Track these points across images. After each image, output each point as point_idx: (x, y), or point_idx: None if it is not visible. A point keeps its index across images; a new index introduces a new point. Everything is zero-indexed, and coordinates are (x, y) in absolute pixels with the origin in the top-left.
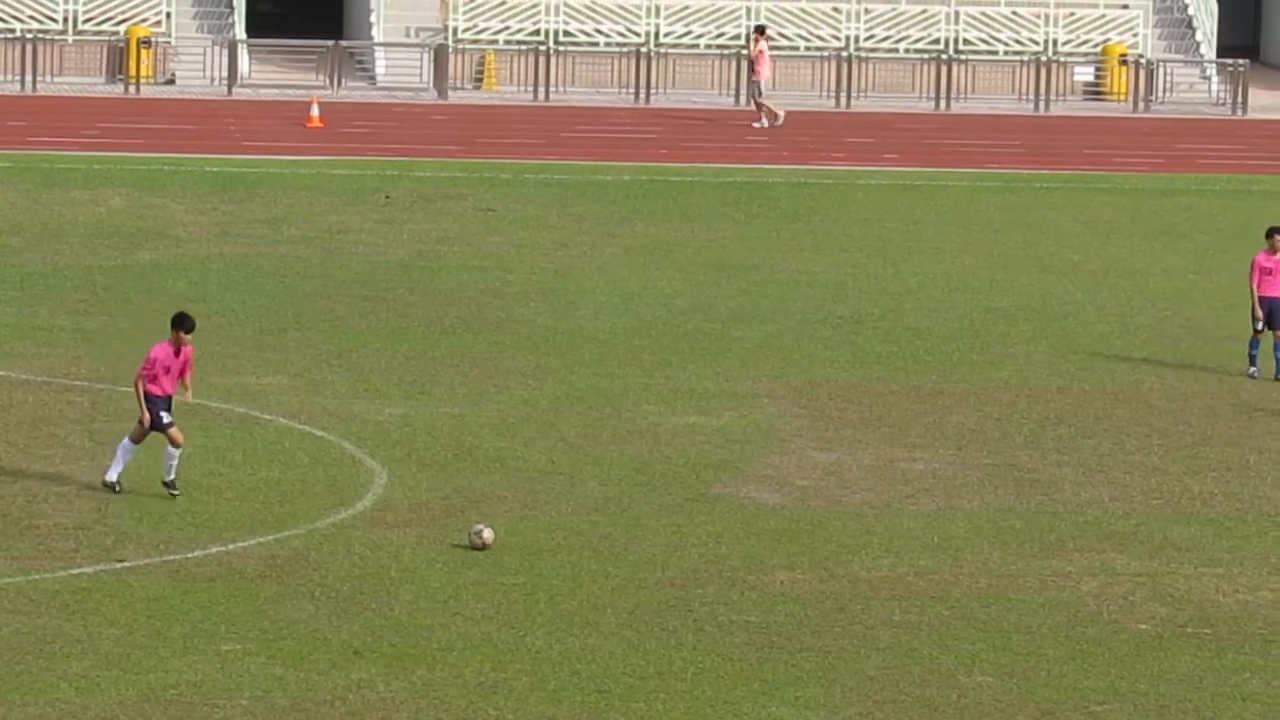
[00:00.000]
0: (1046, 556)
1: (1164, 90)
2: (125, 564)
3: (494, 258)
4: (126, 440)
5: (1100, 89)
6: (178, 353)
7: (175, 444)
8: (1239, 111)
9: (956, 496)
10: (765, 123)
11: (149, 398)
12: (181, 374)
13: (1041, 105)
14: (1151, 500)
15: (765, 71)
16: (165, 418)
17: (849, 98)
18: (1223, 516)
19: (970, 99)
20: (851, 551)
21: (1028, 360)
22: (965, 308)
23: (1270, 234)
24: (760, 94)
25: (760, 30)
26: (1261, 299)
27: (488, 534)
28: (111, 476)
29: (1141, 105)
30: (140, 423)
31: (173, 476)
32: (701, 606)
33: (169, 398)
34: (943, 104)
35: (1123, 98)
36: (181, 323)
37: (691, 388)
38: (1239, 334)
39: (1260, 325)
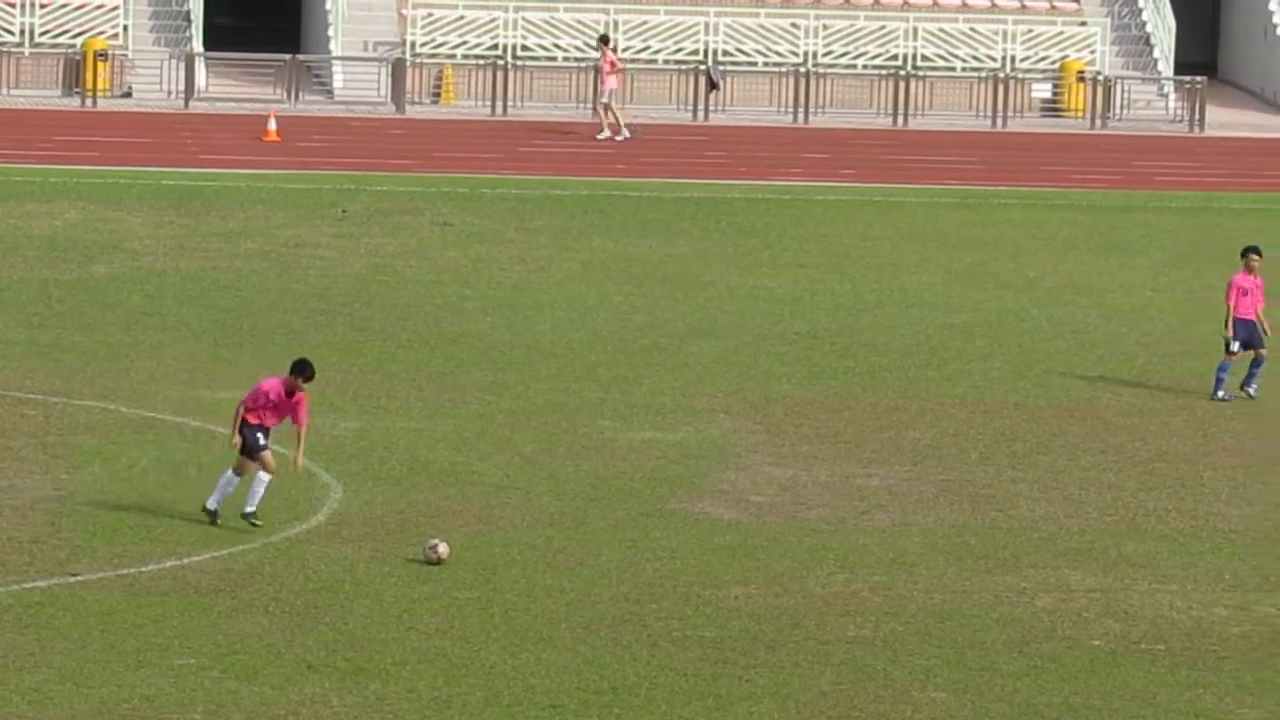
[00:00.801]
0: (1001, 572)
1: (1121, 107)
2: (79, 578)
3: (451, 272)
4: (229, 472)
5: (1058, 106)
6: (290, 395)
7: (268, 469)
8: (1196, 128)
9: (912, 512)
10: (608, 134)
11: (245, 424)
12: (295, 419)
13: (999, 122)
14: (1106, 516)
15: (613, 82)
16: (261, 439)
17: (807, 114)
18: (1177, 533)
19: (928, 115)
20: (806, 567)
21: (984, 376)
22: (922, 324)
23: (1246, 254)
24: (608, 103)
25: (604, 40)
26: (1237, 320)
27: (443, 548)
28: (212, 505)
29: (1099, 122)
30: (232, 445)
31: (254, 508)
32: (656, 621)
33: (267, 428)
34: (900, 120)
35: (1080, 114)
36: (302, 370)
37: (647, 403)
38: (1195, 351)
39: (1236, 347)
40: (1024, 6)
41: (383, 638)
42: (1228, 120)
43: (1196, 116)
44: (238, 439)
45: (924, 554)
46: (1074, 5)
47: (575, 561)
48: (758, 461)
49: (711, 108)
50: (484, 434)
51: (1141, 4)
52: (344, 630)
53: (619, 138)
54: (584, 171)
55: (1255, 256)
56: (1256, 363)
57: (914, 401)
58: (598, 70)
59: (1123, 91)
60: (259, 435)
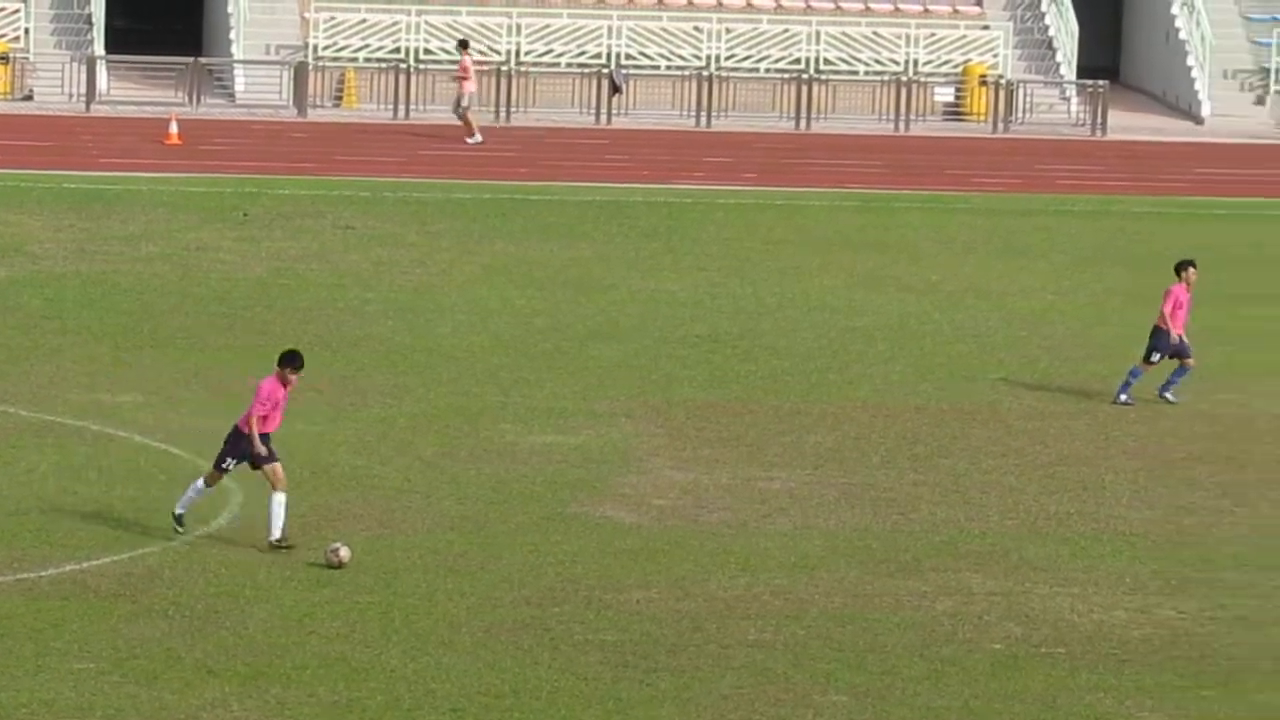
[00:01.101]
0: (902, 576)
1: (1024, 111)
2: None
3: (352, 275)
4: (199, 482)
5: (960, 109)
6: (285, 386)
7: (280, 484)
8: (1098, 132)
9: (813, 516)
10: (479, 138)
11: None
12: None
13: (901, 125)
14: (1007, 520)
15: (470, 86)
16: (270, 450)
17: (709, 117)
18: (1078, 536)
19: (830, 118)
20: (708, 571)
21: (885, 380)
22: (824, 327)
23: (1185, 267)
24: (465, 108)
25: (464, 45)
26: (1165, 331)
27: (344, 552)
28: (180, 510)
29: (1001, 125)
30: (253, 455)
31: (280, 534)
32: (558, 625)
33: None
34: (803, 123)
35: (982, 118)
36: (293, 360)
37: (549, 406)
38: (1097, 354)
39: (1157, 358)
40: (927, 10)
41: (283, 642)
42: (1130, 124)
43: (1098, 120)
44: (263, 449)
45: (825, 557)
46: (977, 9)
47: (476, 565)
48: (659, 465)
49: (614, 111)
50: (385, 438)
51: (1044, 8)
52: (244, 635)
53: (470, 140)
54: (486, 175)
55: (1193, 270)
56: (1182, 370)
57: (816, 405)
58: (457, 77)
59: (1025, 95)
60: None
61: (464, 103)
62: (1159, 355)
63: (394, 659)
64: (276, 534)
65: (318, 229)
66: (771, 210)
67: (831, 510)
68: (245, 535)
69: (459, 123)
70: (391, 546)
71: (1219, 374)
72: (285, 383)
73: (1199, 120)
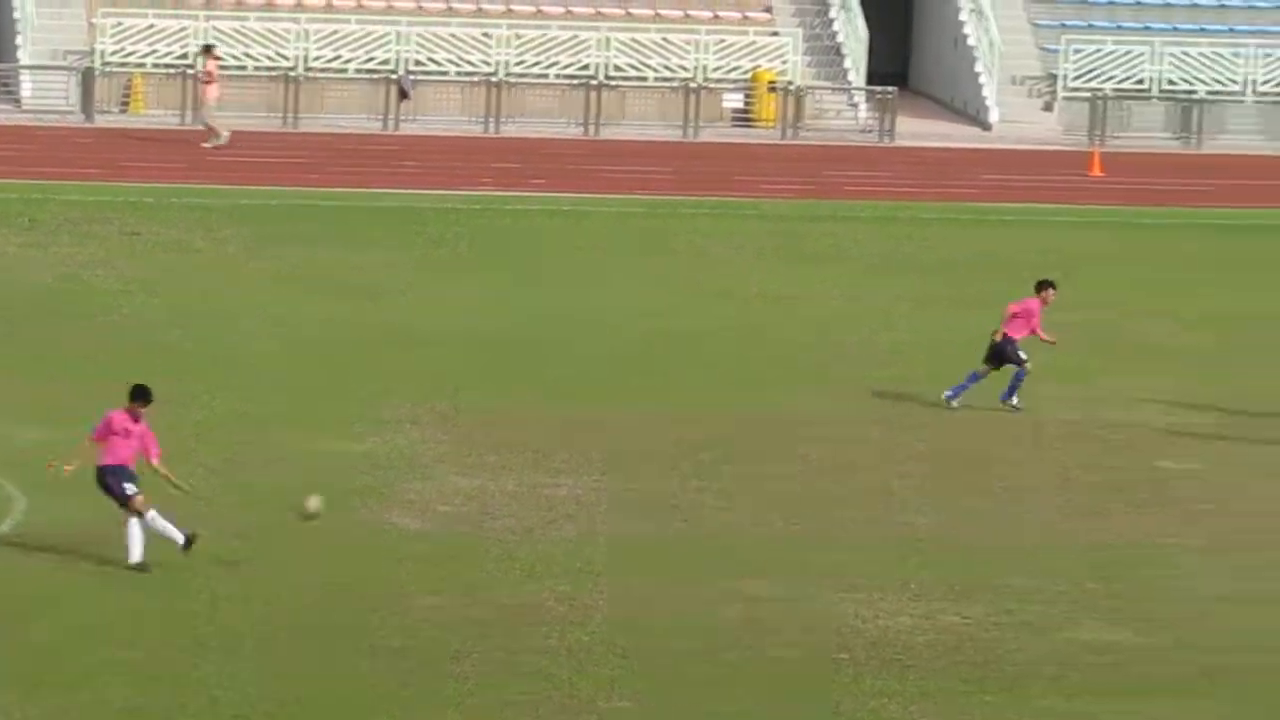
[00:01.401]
0: (687, 583)
1: (812, 117)
2: None
3: (139, 282)
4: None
5: (749, 115)
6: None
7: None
8: (886, 138)
9: (599, 522)
10: (213, 142)
11: (106, 471)
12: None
13: (690, 131)
14: (793, 526)
15: (214, 91)
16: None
17: (498, 123)
18: (864, 543)
19: (619, 125)
20: (494, 577)
21: (673, 386)
22: (612, 333)
23: (1046, 286)
24: (208, 112)
25: (208, 50)
26: (1007, 338)
27: (313, 502)
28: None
29: (789, 132)
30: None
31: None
32: (343, 632)
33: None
34: (591, 130)
35: (771, 124)
36: (142, 395)
37: (336, 413)
38: (885, 360)
39: (985, 369)
40: (716, 17)
41: (68, 648)
42: (918, 130)
43: (887, 127)
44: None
45: (611, 564)
46: (766, 15)
47: (262, 572)
48: (445, 471)
49: (403, 117)
50: (171, 445)
51: (833, 14)
52: (28, 642)
53: (207, 144)
54: (274, 180)
55: (1053, 291)
56: (1020, 375)
57: (603, 411)
58: (201, 81)
59: (813, 102)
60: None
61: (208, 107)
62: (986, 367)
63: (180, 665)
64: (136, 557)
65: (104, 235)
66: (560, 216)
67: (617, 517)
68: (29, 542)
69: (204, 129)
70: (177, 554)
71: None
72: (134, 416)
73: (987, 126)
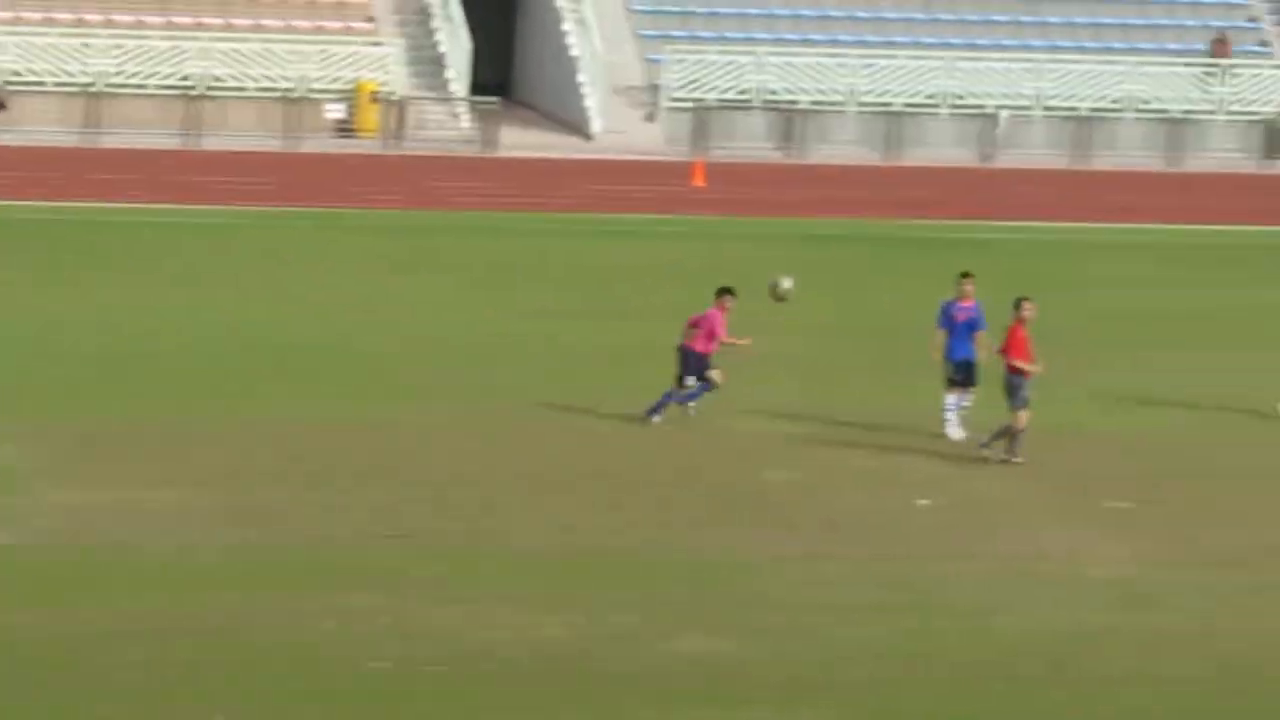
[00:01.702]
0: (285, 595)
1: (415, 127)
2: None
3: None
4: None
5: (351, 126)
6: None
7: None
8: (489, 149)
9: (197, 535)
10: None
11: None
12: None
13: (291, 142)
14: (392, 537)
15: None
16: None
17: (97, 134)
18: (465, 553)
19: (220, 135)
20: (89, 592)
21: (273, 398)
22: (212, 345)
23: (722, 293)
24: None
25: None
26: (692, 351)
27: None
28: None
29: (392, 143)
30: None
31: None
32: None
33: None
34: (192, 140)
35: (374, 135)
36: None
37: None
38: (489, 372)
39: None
40: (319, 27)
41: None
42: (520, 141)
43: (489, 137)
44: None
45: (209, 576)
46: (369, 25)
47: None
48: (40, 486)
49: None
50: None
51: (436, 25)
52: None
53: None
54: None
55: (731, 298)
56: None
57: (202, 423)
58: None
59: (417, 112)
60: None
61: None
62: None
63: None
64: None
65: None
66: (162, 228)
67: (215, 529)
68: None
69: None
70: None
71: (605, 390)
72: None
73: (589, 137)
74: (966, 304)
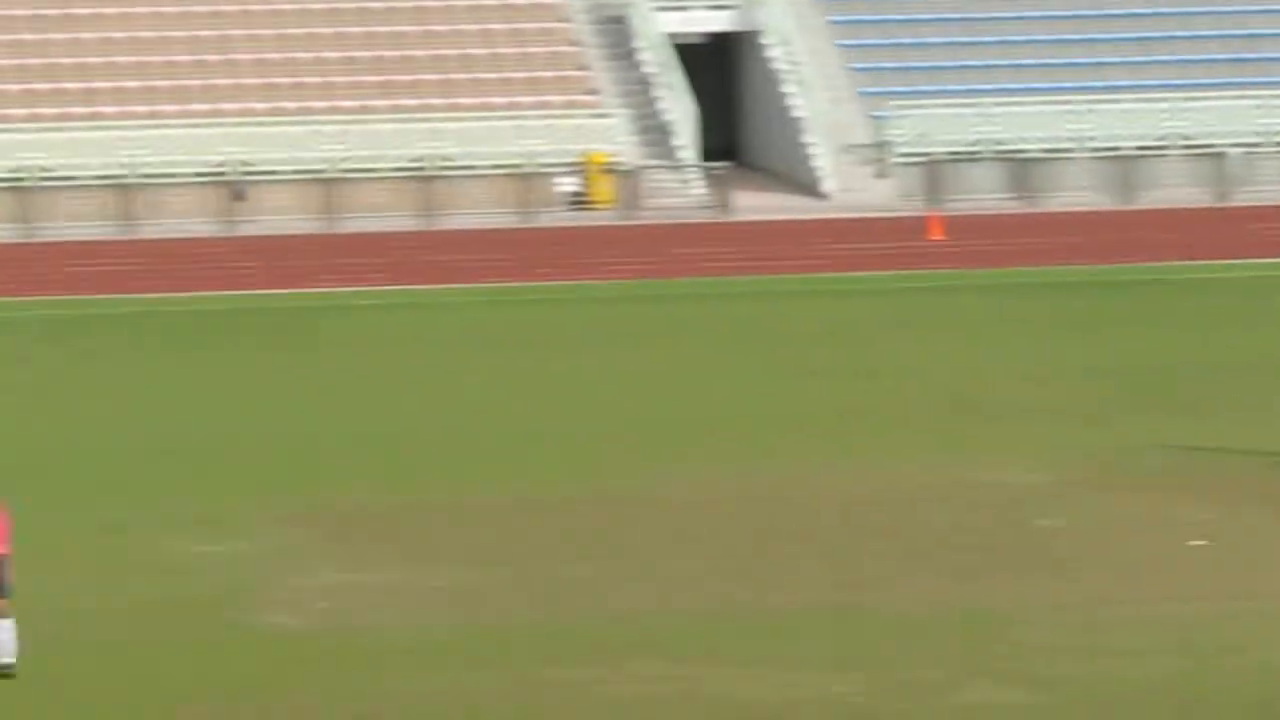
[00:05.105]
0: (581, 664)
1: (648, 196)
2: None
3: None
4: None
5: (584, 198)
6: None
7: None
8: (723, 214)
9: (483, 611)
10: None
11: None
12: None
13: (526, 218)
14: (685, 605)
15: None
16: None
17: (333, 220)
18: (749, 616)
19: (454, 214)
20: (379, 672)
21: (537, 474)
22: (471, 426)
23: None
24: None
25: None
26: None
27: None
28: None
29: (626, 212)
30: None
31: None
32: None
33: None
34: (426, 221)
35: (607, 206)
36: None
37: (200, 515)
38: (751, 431)
39: None
40: (543, 102)
41: None
42: (753, 204)
43: (722, 201)
44: None
45: (501, 651)
46: (593, 98)
47: (141, 680)
48: (321, 568)
49: (238, 218)
50: (35, 560)
51: (658, 94)
52: None
53: None
54: (114, 289)
55: None
56: None
57: (473, 501)
58: None
59: (647, 181)
60: None
61: None
62: None
63: None
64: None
65: None
66: (404, 310)
67: (502, 604)
68: None
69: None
70: (50, 671)
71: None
72: None
73: (821, 196)
74: None
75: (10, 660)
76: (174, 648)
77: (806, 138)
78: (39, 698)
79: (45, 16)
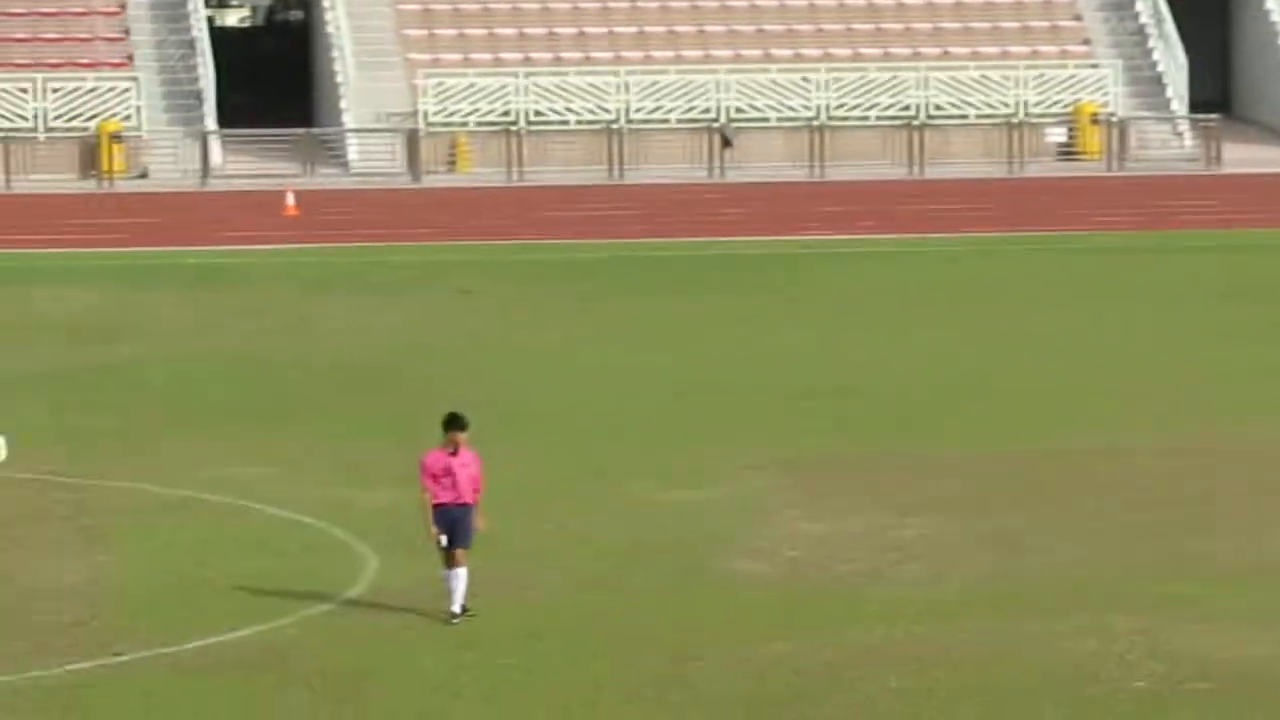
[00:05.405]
0: (1041, 618)
1: (1136, 148)
2: (123, 657)
3: (472, 339)
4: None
5: (1073, 149)
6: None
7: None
8: (1213, 166)
9: (947, 562)
10: None
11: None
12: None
13: (1014, 168)
14: (1142, 559)
15: None
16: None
17: (821, 168)
18: (1218, 572)
19: (942, 164)
20: (845, 620)
21: (1004, 428)
22: (940, 377)
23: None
24: None
25: None
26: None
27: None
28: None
29: (1115, 164)
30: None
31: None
32: (699, 680)
33: (460, 506)
34: (915, 170)
35: (1096, 157)
36: (455, 422)
37: (675, 463)
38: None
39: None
40: (1035, 52)
41: (426, 708)
42: (1244, 156)
43: (1213, 154)
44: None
45: (963, 602)
46: (1085, 48)
47: (614, 624)
48: (790, 517)
49: (726, 165)
50: (515, 500)
51: (1152, 44)
52: (387, 700)
53: None
54: (602, 235)
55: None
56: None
57: (940, 453)
58: None
59: (1137, 132)
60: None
61: None
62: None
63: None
64: (456, 606)
65: (436, 295)
66: (885, 259)
67: (966, 556)
68: (383, 602)
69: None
70: (530, 608)
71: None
72: (450, 448)
73: None
74: None
75: (457, 609)
76: (649, 592)
77: None
78: (519, 636)
79: None
